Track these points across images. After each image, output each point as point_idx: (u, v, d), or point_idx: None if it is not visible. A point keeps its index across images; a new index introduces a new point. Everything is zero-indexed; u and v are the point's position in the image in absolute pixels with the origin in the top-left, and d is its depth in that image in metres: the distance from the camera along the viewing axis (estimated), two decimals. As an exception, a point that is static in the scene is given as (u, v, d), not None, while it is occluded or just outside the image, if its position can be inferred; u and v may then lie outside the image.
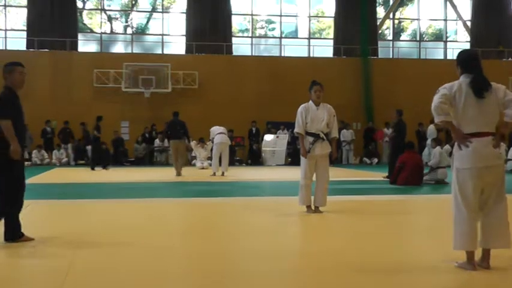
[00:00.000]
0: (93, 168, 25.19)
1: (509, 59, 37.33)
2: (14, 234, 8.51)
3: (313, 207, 12.00)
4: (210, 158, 25.71)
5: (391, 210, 13.36)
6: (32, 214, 9.27)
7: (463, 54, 7.41)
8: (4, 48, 34.14)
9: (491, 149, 6.86)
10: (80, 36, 34.88)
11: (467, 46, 36.53)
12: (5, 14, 35.08)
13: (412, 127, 29.97)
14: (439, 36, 38.92)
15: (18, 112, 8.75)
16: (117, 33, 36.63)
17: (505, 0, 38.01)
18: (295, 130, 12.25)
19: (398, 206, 14.33)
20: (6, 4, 34.94)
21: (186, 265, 7.79)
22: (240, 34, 36.82)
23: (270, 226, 10.95)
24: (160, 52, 35.69)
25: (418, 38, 38.71)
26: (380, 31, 37.64)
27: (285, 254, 8.27)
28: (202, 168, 27.02)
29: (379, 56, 36.94)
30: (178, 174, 22.87)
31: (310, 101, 12.05)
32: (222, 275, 6.95)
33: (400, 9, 38.98)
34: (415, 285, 6.49)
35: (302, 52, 36.86)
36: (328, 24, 37.53)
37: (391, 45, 38.24)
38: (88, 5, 36.34)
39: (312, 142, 11.91)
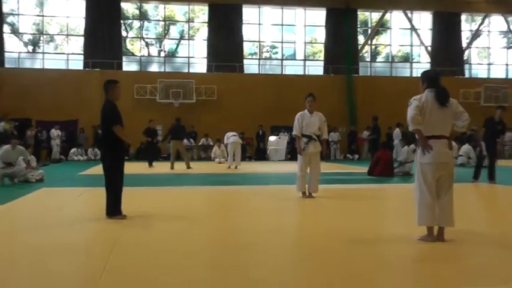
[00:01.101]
0: (151, 165, 24.08)
1: (460, 76, 37.28)
2: (115, 211, 8.88)
3: (307, 193, 12.17)
4: (225, 155, 25.76)
5: (369, 196, 13.45)
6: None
7: (428, 72, 7.61)
8: (66, 67, 34.34)
9: (446, 149, 7.07)
10: (124, 58, 34.88)
11: (428, 66, 36.50)
12: (67, 41, 35.18)
13: (384, 130, 29.99)
14: (407, 58, 38.77)
15: (120, 120, 9.02)
16: (153, 56, 36.61)
17: (457, 31, 37.92)
18: (294, 133, 12.41)
19: (374, 192, 14.37)
20: (68, 33, 34.98)
21: (209, 236, 7.98)
22: (250, 57, 36.73)
23: (273, 207, 11.09)
24: (186, 71, 35.56)
25: (390, 60, 38.63)
26: (360, 54, 37.50)
27: (285, 228, 8.53)
28: (220, 163, 26.95)
29: (360, 74, 36.73)
30: (172, 167, 22.43)
31: (306, 110, 12.22)
32: (236, 246, 7.16)
33: (376, 37, 38.87)
34: (388, 253, 6.64)
35: (299, 71, 36.79)
36: (319, 49, 37.43)
37: (369, 66, 38.14)
38: (130, 34, 36.31)
39: (307, 142, 12.07)
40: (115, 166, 8.91)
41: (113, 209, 8.84)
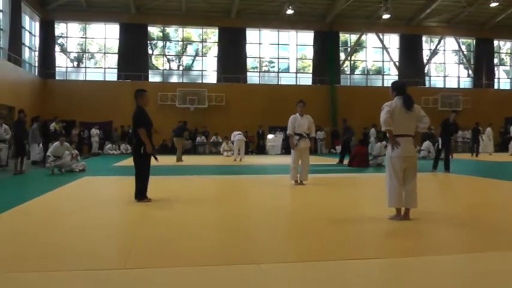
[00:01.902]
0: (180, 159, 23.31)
1: (421, 86, 37.30)
2: (142, 196, 8.90)
3: (299, 181, 12.23)
4: (232, 150, 25.79)
5: (349, 183, 13.47)
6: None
7: (397, 83, 7.65)
8: (104, 79, 34.44)
9: (411, 145, 7.13)
10: (149, 72, 34.91)
11: (396, 78, 36.39)
12: (105, 58, 35.23)
13: (361, 129, 29.98)
14: (379, 72, 38.75)
15: (148, 122, 9.02)
16: (173, 70, 36.59)
17: (419, 50, 37.96)
18: (288, 132, 12.49)
19: (353, 180, 14.39)
20: (105, 52, 35.06)
21: (220, 213, 8.00)
22: (252, 70, 36.70)
23: (271, 192, 11.12)
24: (200, 81, 35.56)
25: (365, 73, 38.62)
26: (342, 68, 37.47)
27: (281, 209, 8.52)
28: (227, 156, 27.02)
29: (341, 84, 36.75)
30: (178, 160, 22.16)
31: (297, 113, 12.28)
32: (239, 224, 7.20)
33: (354, 54, 38.81)
34: (365, 230, 6.66)
35: (292, 81, 36.77)
36: (308, 64, 37.37)
37: (348, 77, 38.10)
38: (155, 52, 36.28)
39: (298, 139, 12.15)
40: (143, 160, 8.96)
41: (141, 194, 8.89)
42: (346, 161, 20.38)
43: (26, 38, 31.07)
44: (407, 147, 7.12)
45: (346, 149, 21.89)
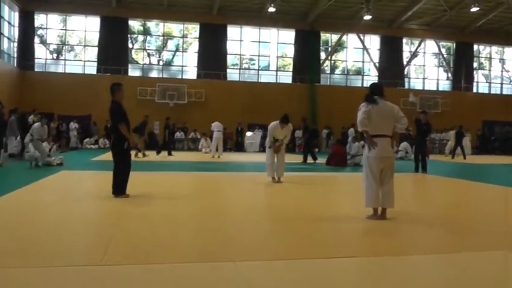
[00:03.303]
0: (169, 153, 24.23)
1: (401, 87, 37.56)
2: (121, 191, 8.80)
3: (276, 179, 12.30)
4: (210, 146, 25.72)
5: (326, 182, 13.57)
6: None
7: (375, 84, 7.67)
8: (83, 72, 34.08)
9: (388, 146, 7.18)
10: (129, 66, 34.68)
11: (376, 79, 36.83)
12: (84, 51, 34.91)
13: (340, 129, 30.10)
14: (359, 72, 38.95)
15: (126, 117, 8.91)
16: (153, 64, 36.40)
17: (399, 51, 38.22)
18: (266, 143, 12.72)
19: (331, 179, 14.48)
20: (85, 44, 34.76)
21: (195, 213, 7.92)
22: (232, 67, 36.65)
23: (249, 190, 11.20)
24: (180, 77, 35.42)
25: (346, 73, 38.79)
26: (322, 67, 37.59)
27: (258, 207, 8.57)
28: (206, 153, 26.97)
29: (321, 83, 36.85)
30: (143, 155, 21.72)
31: (278, 123, 12.33)
32: (215, 221, 7.19)
33: (335, 54, 38.98)
34: (342, 229, 6.70)
35: (272, 79, 36.71)
36: (289, 62, 37.42)
37: (328, 77, 38.21)
38: (135, 46, 36.04)
39: (274, 142, 12.23)
40: (123, 155, 8.90)
41: (120, 189, 8.80)
42: (310, 159, 20.85)
43: (5, 29, 30.58)
44: (384, 147, 7.16)
45: (309, 147, 22.02)
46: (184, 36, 36.61)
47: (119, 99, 8.94)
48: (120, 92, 8.96)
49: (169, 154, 24.28)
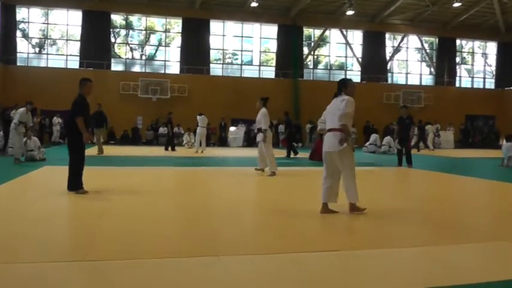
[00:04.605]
0: (172, 149, 24.47)
1: (384, 82, 37.80)
2: (78, 186, 8.72)
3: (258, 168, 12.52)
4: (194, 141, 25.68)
5: (309, 176, 13.58)
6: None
7: (338, 81, 7.77)
8: (66, 67, 33.80)
9: (333, 141, 7.02)
10: (112, 60, 34.47)
11: (359, 74, 37.18)
12: (67, 45, 34.62)
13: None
14: (342, 67, 39.05)
15: (87, 111, 8.89)
16: (136, 59, 36.24)
17: (382, 46, 38.41)
18: (265, 134, 12.74)
19: (313, 173, 14.47)
20: (68, 38, 34.49)
21: (177, 208, 7.95)
22: (215, 62, 36.59)
23: (233, 184, 11.21)
24: (163, 72, 35.34)
25: (328, 68, 38.91)
26: (305, 62, 37.67)
27: (241, 202, 8.58)
28: (189, 148, 26.93)
29: (304, 78, 36.99)
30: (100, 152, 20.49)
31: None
32: (198, 215, 7.21)
33: (318, 49, 39.07)
34: (324, 223, 6.73)
35: (255, 74, 36.80)
36: (272, 57, 37.46)
37: (311, 72, 38.36)
38: (118, 40, 35.84)
39: (256, 133, 12.49)
40: (79, 150, 8.85)
41: (77, 184, 8.73)
42: (293, 155, 21.03)
43: (-15, 22, 30.33)
44: (329, 142, 7.07)
45: (290, 142, 22.15)
46: (167, 31, 36.47)
47: (84, 93, 8.97)
48: (87, 87, 8.99)
49: (173, 149, 24.44)
